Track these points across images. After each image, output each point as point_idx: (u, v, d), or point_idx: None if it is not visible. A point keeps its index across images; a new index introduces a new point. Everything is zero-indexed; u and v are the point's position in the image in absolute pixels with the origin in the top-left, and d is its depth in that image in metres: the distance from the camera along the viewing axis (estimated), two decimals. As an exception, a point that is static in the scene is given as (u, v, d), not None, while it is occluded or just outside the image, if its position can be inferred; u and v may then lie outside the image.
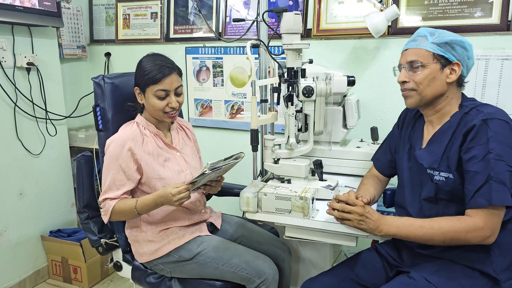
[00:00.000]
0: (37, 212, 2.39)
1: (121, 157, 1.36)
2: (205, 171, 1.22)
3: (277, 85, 1.51)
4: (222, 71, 2.38)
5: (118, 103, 1.51)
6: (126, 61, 2.71)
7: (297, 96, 1.42)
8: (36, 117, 2.33)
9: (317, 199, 1.32)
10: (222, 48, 2.35)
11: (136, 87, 1.42)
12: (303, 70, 1.43)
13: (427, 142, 1.22)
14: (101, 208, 1.40)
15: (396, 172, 1.39)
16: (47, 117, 2.39)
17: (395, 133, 1.40)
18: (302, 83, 1.40)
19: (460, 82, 1.17)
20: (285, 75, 1.45)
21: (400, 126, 1.37)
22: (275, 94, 1.55)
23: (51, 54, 2.42)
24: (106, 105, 1.48)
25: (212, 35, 2.38)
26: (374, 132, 1.68)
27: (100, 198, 1.39)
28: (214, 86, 2.41)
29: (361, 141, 1.77)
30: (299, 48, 1.39)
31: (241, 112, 2.27)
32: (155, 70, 1.35)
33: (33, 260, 2.39)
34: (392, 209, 1.44)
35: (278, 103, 1.55)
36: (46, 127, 2.40)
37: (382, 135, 1.72)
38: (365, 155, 1.58)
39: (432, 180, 1.15)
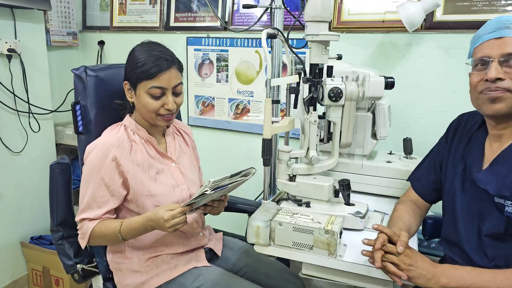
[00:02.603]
0: (17, 216, 2.16)
1: (104, 168, 1.10)
2: (206, 191, 0.96)
3: (295, 85, 1.25)
4: (227, 66, 2.12)
5: (103, 101, 1.25)
6: (121, 51, 2.42)
7: (321, 100, 1.16)
8: (17, 111, 2.08)
9: (344, 229, 1.07)
10: (228, 40, 2.08)
11: (125, 82, 1.16)
12: (330, 68, 1.17)
13: (490, 162, 0.96)
14: (78, 230, 1.14)
15: (440, 197, 1.13)
16: (30, 111, 2.13)
17: (441, 148, 1.13)
18: (329, 83, 1.14)
19: None
20: (307, 73, 1.18)
21: (449, 140, 1.11)
22: (292, 96, 1.29)
23: (36, 40, 2.16)
24: (88, 102, 1.22)
25: (217, 24, 2.11)
26: (407, 144, 1.42)
27: (77, 218, 1.14)
28: (217, 82, 2.15)
29: (390, 153, 1.50)
30: (327, 40, 1.13)
31: (248, 114, 2.00)
32: (150, 62, 1.09)
33: (11, 268, 2.17)
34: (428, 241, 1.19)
35: (295, 106, 1.29)
36: (29, 122, 2.14)
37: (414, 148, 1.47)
38: (398, 173, 1.32)
39: (502, 212, 0.90)
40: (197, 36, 2.17)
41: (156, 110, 1.12)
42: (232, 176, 1.03)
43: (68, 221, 1.25)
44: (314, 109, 1.17)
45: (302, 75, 1.19)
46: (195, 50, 2.18)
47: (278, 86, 1.56)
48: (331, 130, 1.21)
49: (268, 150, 1.14)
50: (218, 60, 2.14)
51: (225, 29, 2.09)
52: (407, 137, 1.43)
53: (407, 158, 1.42)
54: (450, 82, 1.68)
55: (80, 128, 1.23)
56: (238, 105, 2.13)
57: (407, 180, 1.24)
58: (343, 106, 1.15)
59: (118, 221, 1.12)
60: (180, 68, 1.16)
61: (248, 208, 1.48)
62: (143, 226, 1.08)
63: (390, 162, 1.38)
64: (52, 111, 2.26)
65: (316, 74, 1.15)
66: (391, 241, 0.91)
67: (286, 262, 1.38)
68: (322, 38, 1.12)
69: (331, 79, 1.15)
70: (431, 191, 1.14)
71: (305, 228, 0.98)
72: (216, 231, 1.43)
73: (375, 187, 1.35)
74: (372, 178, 1.35)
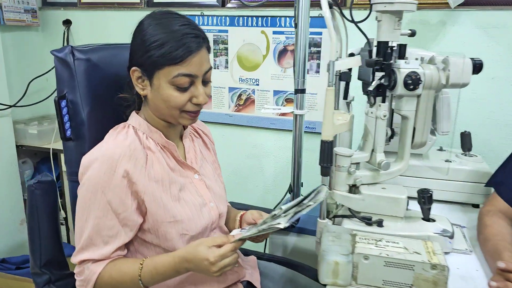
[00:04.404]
0: (-29, 236, 1.75)
1: (111, 189, 0.79)
2: (279, 223, 0.69)
3: (347, 70, 1.00)
4: (226, 49, 1.81)
5: (99, 94, 0.92)
6: (92, 32, 2.05)
7: (392, 88, 0.91)
8: (-36, 107, 1.66)
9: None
10: (227, 18, 1.78)
11: (135, 68, 0.83)
12: (403, 47, 0.92)
13: None
14: (76, 275, 0.82)
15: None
16: (-19, 107, 1.71)
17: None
18: (403, 67, 0.89)
19: None
20: (373, 54, 0.93)
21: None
22: (342, 84, 1.04)
23: (-15, 17, 1.73)
24: (78, 97, 0.89)
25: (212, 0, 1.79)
26: (466, 139, 1.22)
27: (75, 259, 0.81)
28: (215, 68, 1.85)
29: (441, 150, 1.29)
30: (401, 10, 0.87)
31: (266, 106, 1.70)
32: (173, 41, 0.78)
33: (-34, 301, 1.76)
34: None
35: (345, 97, 1.04)
36: (-19, 121, 1.72)
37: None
38: (465, 174, 1.11)
39: None
40: (188, 13, 1.83)
41: (182, 106, 0.82)
42: (305, 198, 0.76)
43: (57, 259, 0.91)
44: (383, 101, 0.92)
45: (367, 56, 0.93)
46: (188, 30, 1.85)
47: (305, 71, 1.29)
48: (402, 127, 0.97)
49: (329, 156, 0.88)
50: (215, 42, 1.82)
51: (223, 5, 1.78)
52: (465, 131, 1.22)
53: (465, 155, 1.21)
54: (488, 66, 1.50)
55: (68, 132, 0.90)
56: (240, 95, 1.84)
57: (486, 185, 1.03)
58: (418, 96, 0.92)
59: (135, 261, 0.81)
60: (209, 48, 0.86)
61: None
62: (174, 269, 0.78)
63: (450, 162, 1.17)
64: (10, 106, 1.84)
65: (387, 56, 0.90)
66: None
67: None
68: (396, 7, 0.87)
69: (405, 62, 0.91)
70: (526, 199, 0.94)
71: (402, 262, 0.73)
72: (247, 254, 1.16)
73: (438, 193, 1.14)
74: (434, 181, 1.14)
